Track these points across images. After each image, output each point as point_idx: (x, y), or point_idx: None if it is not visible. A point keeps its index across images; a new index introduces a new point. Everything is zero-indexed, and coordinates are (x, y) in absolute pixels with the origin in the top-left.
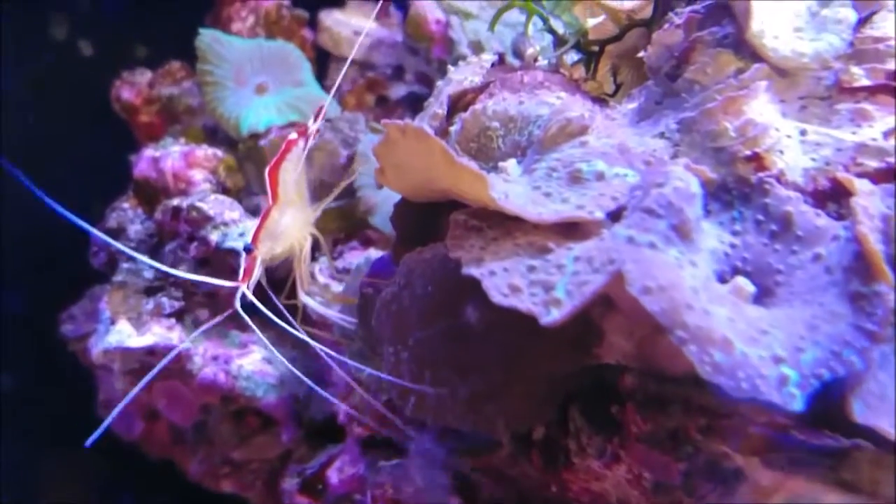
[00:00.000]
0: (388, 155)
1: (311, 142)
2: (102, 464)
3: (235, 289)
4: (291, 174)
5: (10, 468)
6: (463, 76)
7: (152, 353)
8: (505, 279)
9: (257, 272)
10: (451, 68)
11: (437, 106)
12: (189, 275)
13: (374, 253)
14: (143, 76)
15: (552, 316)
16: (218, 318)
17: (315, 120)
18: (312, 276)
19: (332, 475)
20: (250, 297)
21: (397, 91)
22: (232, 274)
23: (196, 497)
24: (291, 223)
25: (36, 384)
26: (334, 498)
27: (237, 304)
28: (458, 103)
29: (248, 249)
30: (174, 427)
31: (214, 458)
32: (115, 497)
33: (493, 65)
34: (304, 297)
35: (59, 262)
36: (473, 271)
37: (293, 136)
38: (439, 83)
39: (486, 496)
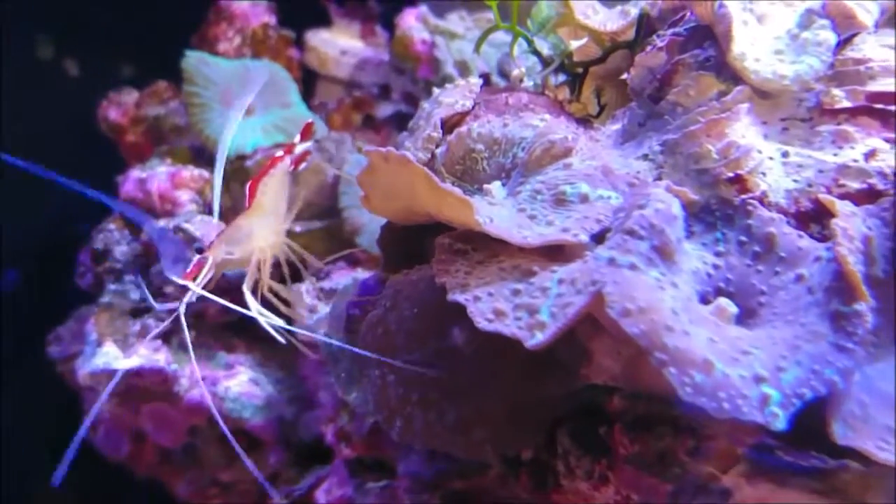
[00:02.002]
0: (372, 182)
1: (303, 165)
2: (90, 485)
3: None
4: (272, 190)
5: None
6: (454, 99)
7: (139, 375)
8: (490, 304)
9: (205, 272)
10: (436, 90)
11: (430, 129)
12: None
13: (361, 273)
14: (130, 96)
15: (536, 339)
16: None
17: (302, 139)
18: (299, 298)
19: (321, 497)
20: (200, 291)
21: (384, 110)
22: (219, 294)
23: None
24: (257, 233)
25: (23, 405)
26: None
27: (183, 306)
28: (445, 126)
29: (200, 250)
30: (162, 448)
31: (202, 480)
32: None
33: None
34: (249, 299)
35: (45, 282)
36: (459, 297)
37: (279, 153)
38: (425, 105)
39: None
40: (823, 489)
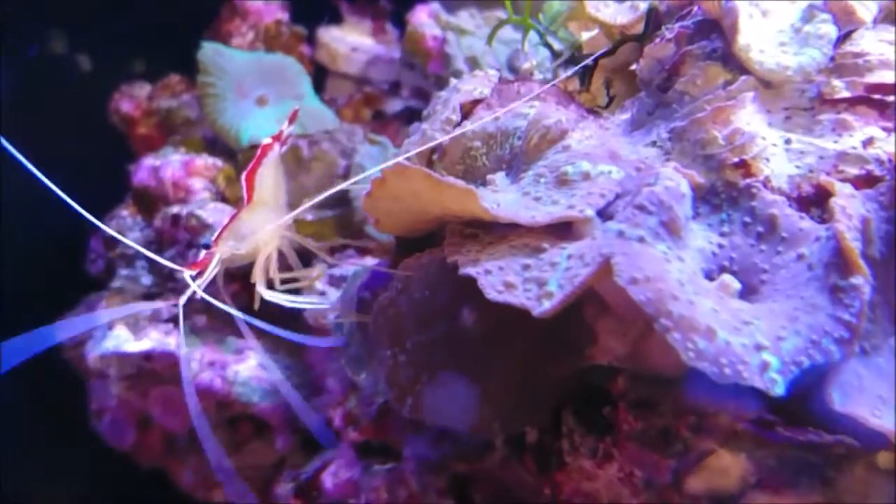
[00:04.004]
0: (375, 205)
1: (284, 148)
2: (93, 474)
3: (195, 278)
4: (269, 180)
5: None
6: (472, 86)
7: (149, 358)
8: (500, 277)
9: (212, 268)
10: (453, 80)
11: (449, 112)
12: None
13: (371, 261)
14: (143, 89)
15: (543, 307)
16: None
17: (289, 124)
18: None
19: (327, 480)
20: (195, 287)
21: (393, 106)
22: (230, 281)
23: None
24: (261, 225)
25: (27, 394)
26: (329, 503)
27: (183, 299)
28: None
29: (207, 246)
30: (167, 436)
31: (207, 467)
32: None
33: None
34: (263, 291)
35: (53, 271)
36: (470, 270)
37: (267, 140)
38: (442, 93)
39: (480, 501)
40: (828, 484)
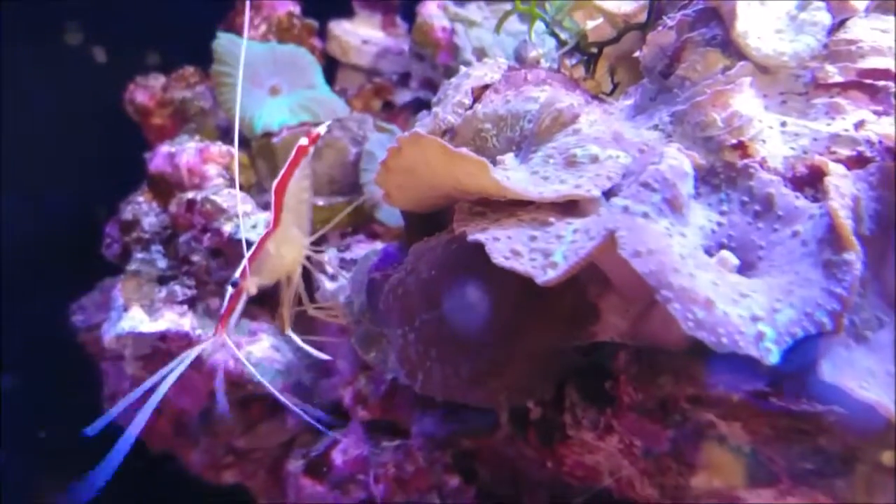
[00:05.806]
0: (389, 177)
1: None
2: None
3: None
4: (295, 196)
5: (12, 463)
6: (483, 72)
7: (164, 338)
8: (508, 245)
9: (241, 306)
10: (462, 68)
11: (461, 95)
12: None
13: (380, 246)
14: (157, 80)
15: (548, 276)
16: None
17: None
18: (321, 266)
19: (337, 457)
20: (230, 343)
21: (403, 97)
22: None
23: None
24: (285, 252)
25: (40, 380)
26: (339, 479)
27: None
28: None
29: (235, 284)
30: (177, 419)
31: (217, 448)
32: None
33: None
34: (290, 332)
35: (67, 258)
36: (479, 237)
37: (304, 141)
38: (452, 80)
39: (484, 475)
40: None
